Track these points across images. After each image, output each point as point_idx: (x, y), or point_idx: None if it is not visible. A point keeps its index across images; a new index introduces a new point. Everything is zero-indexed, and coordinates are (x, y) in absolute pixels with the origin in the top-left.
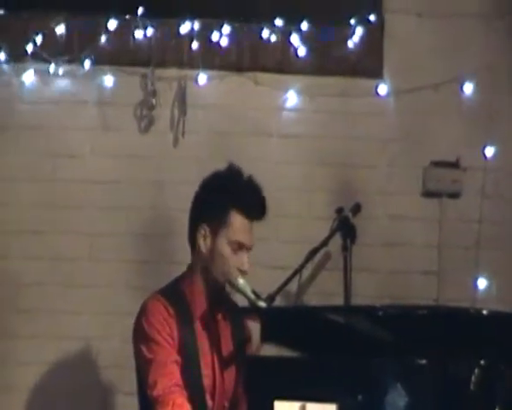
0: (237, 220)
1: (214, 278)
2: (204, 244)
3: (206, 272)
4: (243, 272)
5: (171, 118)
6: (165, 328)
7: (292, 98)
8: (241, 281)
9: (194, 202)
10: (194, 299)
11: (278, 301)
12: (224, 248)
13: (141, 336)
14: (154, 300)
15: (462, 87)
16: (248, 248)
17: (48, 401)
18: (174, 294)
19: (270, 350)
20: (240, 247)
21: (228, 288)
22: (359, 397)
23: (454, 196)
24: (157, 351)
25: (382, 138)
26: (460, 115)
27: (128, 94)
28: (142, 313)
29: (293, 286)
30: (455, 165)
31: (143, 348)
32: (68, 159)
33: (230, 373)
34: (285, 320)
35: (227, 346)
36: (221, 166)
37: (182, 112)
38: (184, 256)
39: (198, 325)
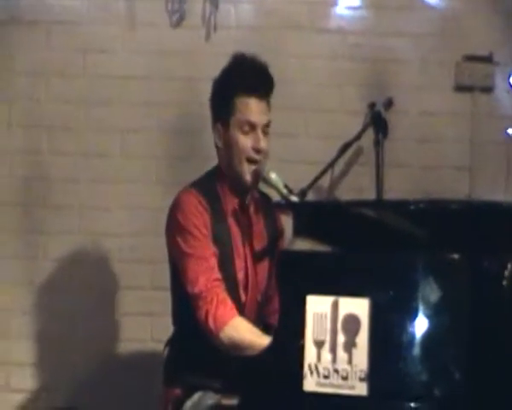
0: (242, 102)
1: (237, 172)
2: (221, 142)
3: (231, 170)
4: (259, 152)
5: (203, 12)
6: (200, 221)
7: None
8: (273, 175)
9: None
10: (225, 195)
11: (310, 196)
12: (236, 134)
13: (176, 228)
14: (187, 193)
15: None
16: (260, 127)
17: (78, 297)
18: (206, 188)
19: (302, 245)
20: (251, 127)
21: (261, 184)
22: (391, 292)
23: (486, 90)
24: (195, 245)
25: (414, 33)
26: (493, 9)
27: None
28: (177, 205)
29: (325, 181)
30: (487, 59)
31: (180, 241)
32: (99, 54)
33: (263, 267)
34: (317, 215)
35: (260, 240)
36: None
37: (214, 6)
38: (215, 152)
39: (230, 220)
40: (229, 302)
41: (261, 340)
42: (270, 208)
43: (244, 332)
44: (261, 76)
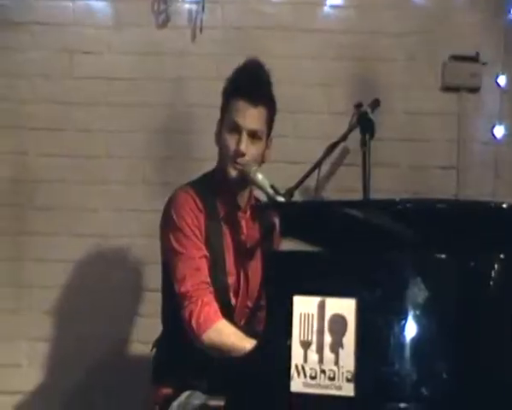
0: (234, 103)
1: (224, 171)
2: (217, 141)
3: (220, 169)
4: (240, 154)
5: (189, 13)
6: (194, 221)
7: None
8: (259, 176)
9: None
10: (220, 198)
11: (297, 197)
12: (225, 133)
13: (170, 225)
14: (184, 191)
15: None
16: (246, 131)
17: (65, 298)
18: (203, 189)
19: (288, 245)
20: (237, 128)
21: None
22: (378, 292)
23: (473, 90)
24: (186, 245)
25: (400, 32)
26: (479, 9)
27: None
28: (172, 203)
29: (311, 181)
30: (474, 59)
31: (172, 239)
32: (85, 55)
33: (256, 274)
34: (304, 215)
35: (254, 246)
36: (239, 61)
37: (199, 6)
38: (201, 152)
39: (224, 223)
40: (215, 305)
41: (243, 343)
42: (265, 213)
43: (227, 336)
44: (255, 81)
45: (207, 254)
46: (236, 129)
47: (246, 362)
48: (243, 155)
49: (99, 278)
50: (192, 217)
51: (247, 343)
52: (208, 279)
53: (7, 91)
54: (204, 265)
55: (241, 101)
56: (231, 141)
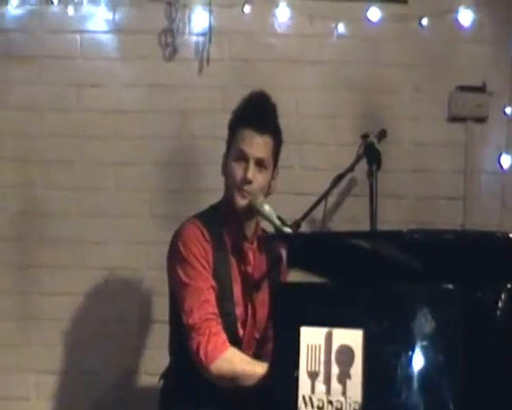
0: (241, 132)
1: (231, 201)
2: (223, 172)
3: (227, 199)
4: (248, 182)
5: (196, 46)
6: (201, 252)
7: (316, 24)
8: (266, 207)
9: None
10: (227, 229)
11: (304, 228)
12: (232, 162)
13: (177, 257)
14: (190, 223)
15: (488, 11)
16: (253, 159)
17: (73, 331)
18: (210, 220)
19: (296, 276)
20: (243, 157)
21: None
22: (386, 323)
23: (480, 120)
24: (193, 276)
25: (407, 63)
26: (486, 40)
27: (152, 22)
28: (179, 235)
29: (318, 212)
30: (481, 89)
31: (179, 271)
32: (92, 88)
33: (263, 305)
34: (311, 246)
35: (261, 277)
36: (245, 93)
37: (206, 39)
38: (209, 184)
39: (231, 254)
40: (223, 335)
41: (254, 368)
42: (272, 244)
43: (237, 363)
44: (261, 111)
45: (215, 285)
46: (243, 157)
47: (254, 393)
48: (250, 182)
49: (106, 311)
50: (199, 248)
51: (258, 368)
52: (216, 310)
53: (15, 124)
54: (211, 296)
55: (247, 130)
56: (238, 169)
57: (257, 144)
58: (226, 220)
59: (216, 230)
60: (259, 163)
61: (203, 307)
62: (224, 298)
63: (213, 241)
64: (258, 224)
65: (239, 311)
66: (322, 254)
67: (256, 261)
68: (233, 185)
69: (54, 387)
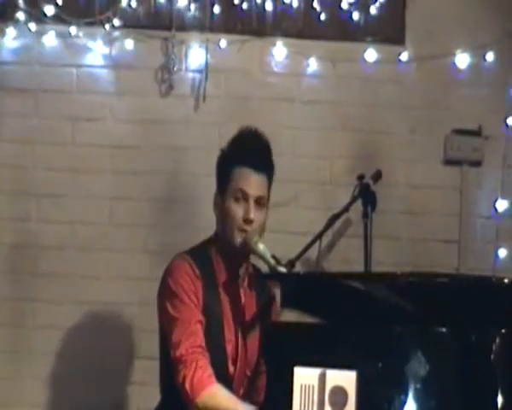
0: (238, 171)
1: (229, 241)
2: (218, 211)
3: (224, 238)
4: (249, 222)
5: (192, 82)
6: (191, 287)
7: (313, 64)
8: (261, 246)
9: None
10: (218, 265)
11: (298, 267)
12: (230, 202)
13: (166, 293)
14: (181, 259)
15: (484, 55)
16: (253, 198)
17: (65, 365)
18: (201, 256)
19: (289, 316)
20: (243, 196)
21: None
22: (379, 365)
23: (475, 164)
24: (182, 309)
25: (404, 105)
26: (482, 83)
27: (149, 57)
28: (169, 271)
29: (313, 252)
30: (476, 133)
31: (168, 306)
32: (88, 122)
33: (254, 342)
34: (305, 286)
35: (251, 314)
36: None
37: (203, 75)
38: (203, 221)
39: (222, 291)
40: (209, 369)
41: (237, 407)
42: (263, 282)
43: (221, 400)
44: (258, 149)
45: (203, 320)
46: (243, 197)
47: None
48: (252, 221)
49: (99, 346)
50: (188, 282)
51: (241, 408)
52: (203, 344)
53: (10, 157)
54: (199, 330)
55: (244, 169)
56: (238, 209)
57: (256, 183)
58: (218, 257)
59: (207, 266)
60: (258, 201)
61: (190, 339)
62: (214, 335)
63: (204, 277)
64: (249, 261)
65: (229, 348)
66: (316, 295)
67: (247, 299)
68: (233, 225)
69: None
